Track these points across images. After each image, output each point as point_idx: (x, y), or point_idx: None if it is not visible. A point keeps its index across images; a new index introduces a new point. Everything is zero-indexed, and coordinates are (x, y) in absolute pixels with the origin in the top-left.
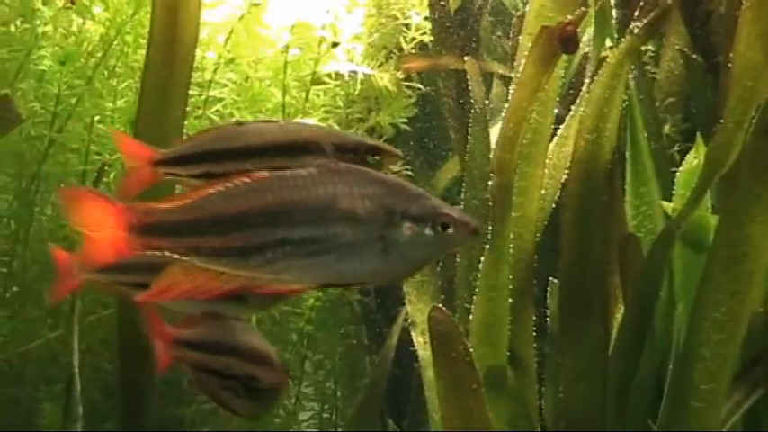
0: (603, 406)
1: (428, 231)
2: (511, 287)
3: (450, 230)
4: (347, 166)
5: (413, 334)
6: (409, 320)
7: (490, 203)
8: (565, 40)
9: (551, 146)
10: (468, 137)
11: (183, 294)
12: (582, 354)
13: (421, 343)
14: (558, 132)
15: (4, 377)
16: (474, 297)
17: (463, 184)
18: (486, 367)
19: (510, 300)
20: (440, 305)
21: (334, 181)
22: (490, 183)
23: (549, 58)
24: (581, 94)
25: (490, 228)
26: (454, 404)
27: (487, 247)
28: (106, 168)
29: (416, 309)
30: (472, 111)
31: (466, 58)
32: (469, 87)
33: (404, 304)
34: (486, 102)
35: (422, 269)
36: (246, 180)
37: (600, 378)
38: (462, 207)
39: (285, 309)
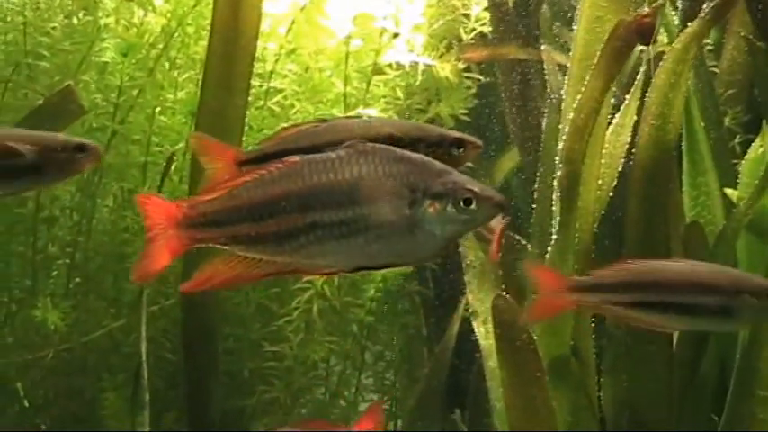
0: (669, 396)
1: (450, 208)
2: None
3: (473, 206)
4: (373, 146)
5: (474, 323)
6: (470, 310)
7: (558, 194)
8: (643, 32)
9: (608, 134)
10: (544, 126)
11: (225, 283)
12: (647, 343)
13: (482, 332)
14: (614, 121)
15: (67, 367)
16: None
17: (537, 174)
18: (550, 357)
19: None
20: (503, 293)
21: (360, 162)
22: (558, 173)
23: (625, 51)
24: (635, 82)
25: (557, 218)
26: (518, 392)
27: (554, 237)
28: (174, 159)
29: (477, 298)
30: (548, 100)
31: (543, 47)
32: (530, 78)
33: (464, 294)
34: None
35: (450, 246)
36: (279, 166)
37: (665, 367)
38: (536, 197)
39: (346, 299)
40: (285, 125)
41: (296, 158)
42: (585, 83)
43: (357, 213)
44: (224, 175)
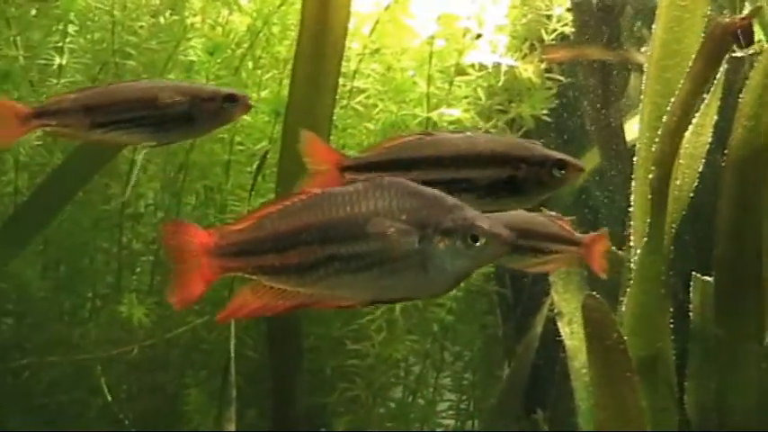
0: (760, 397)
1: (459, 244)
2: None
3: (481, 242)
4: (390, 180)
5: (559, 324)
6: (555, 310)
7: (649, 196)
8: (742, 34)
9: (687, 135)
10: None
11: (254, 313)
12: (738, 342)
13: (567, 333)
14: (694, 121)
15: (150, 363)
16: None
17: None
18: (637, 358)
19: None
20: (593, 293)
21: (376, 196)
22: (650, 175)
23: (721, 53)
24: (714, 82)
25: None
26: (607, 391)
27: (645, 239)
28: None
29: (563, 299)
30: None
31: (625, 48)
32: (612, 79)
33: (546, 294)
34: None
35: (462, 282)
36: (301, 197)
37: (755, 367)
38: (633, 198)
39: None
40: (392, 136)
41: (317, 190)
42: (680, 85)
43: (370, 247)
44: (326, 179)
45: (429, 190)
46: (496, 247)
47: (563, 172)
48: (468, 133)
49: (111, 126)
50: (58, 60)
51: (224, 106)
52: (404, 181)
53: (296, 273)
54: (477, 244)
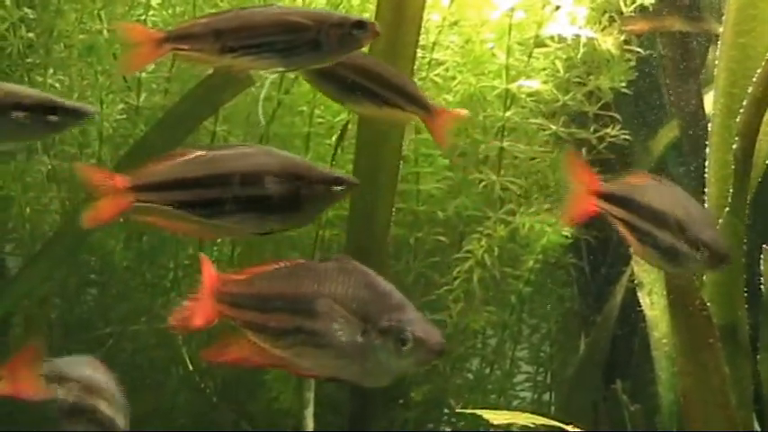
0: None
1: (390, 345)
2: None
3: (407, 347)
4: (356, 265)
5: (639, 294)
6: (636, 281)
7: (733, 166)
8: None
9: None
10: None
11: (236, 361)
12: None
13: (647, 303)
14: None
15: (232, 332)
16: None
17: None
18: (718, 327)
19: None
20: None
21: (339, 280)
22: (734, 146)
23: None
24: None
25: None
26: (690, 358)
27: (726, 208)
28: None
29: (643, 269)
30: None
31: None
32: (691, 50)
33: (626, 265)
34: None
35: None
36: (288, 265)
37: None
38: (707, 166)
39: (505, 270)
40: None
41: (301, 261)
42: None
43: (324, 328)
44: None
45: (384, 284)
46: (422, 354)
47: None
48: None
49: (240, 51)
50: None
51: (352, 33)
52: (366, 270)
53: (271, 335)
54: (404, 348)
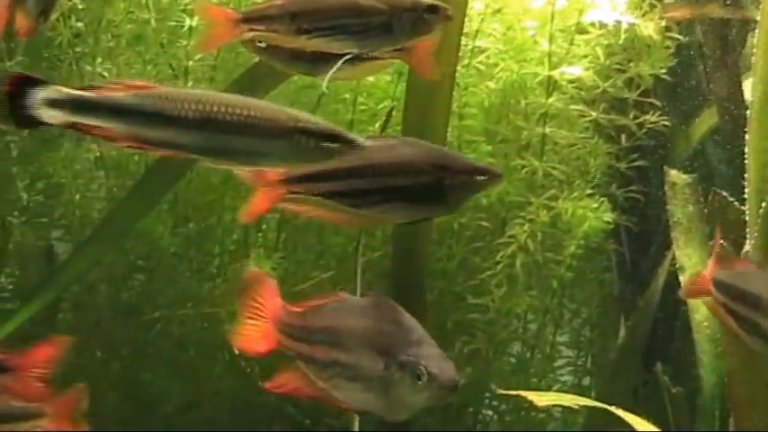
0: None
1: (407, 379)
2: None
3: (422, 382)
4: (387, 301)
5: (681, 278)
6: (677, 265)
7: None
8: None
9: None
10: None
11: (291, 392)
12: None
13: None
14: None
15: None
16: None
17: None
18: None
19: None
20: (722, 243)
21: (370, 316)
22: None
23: None
24: None
25: None
26: (735, 338)
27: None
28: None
29: (684, 253)
30: None
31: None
32: (731, 37)
33: (668, 249)
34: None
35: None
36: (330, 299)
37: None
38: (747, 151)
39: (547, 255)
40: None
41: (344, 296)
42: None
43: (352, 362)
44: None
45: (408, 319)
46: (434, 390)
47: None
48: None
49: (314, 33)
50: (188, 22)
51: (424, 17)
52: (395, 307)
53: (315, 367)
54: (419, 382)
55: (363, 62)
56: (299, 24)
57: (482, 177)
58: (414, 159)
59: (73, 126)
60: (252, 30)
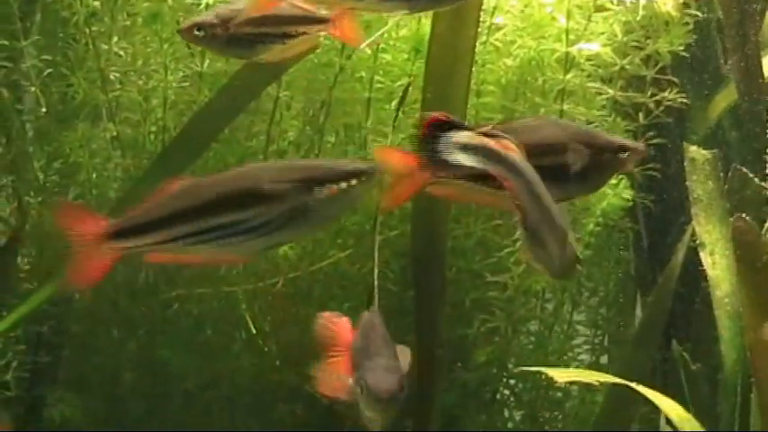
0: None
1: (359, 392)
2: None
3: (363, 394)
4: (370, 317)
5: (701, 254)
6: (698, 241)
7: None
8: None
9: None
10: None
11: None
12: None
13: (710, 263)
14: None
15: (293, 297)
16: None
17: None
18: None
19: None
20: (743, 215)
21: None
22: None
23: None
24: None
25: None
26: (757, 312)
27: None
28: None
29: (705, 230)
30: None
31: None
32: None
33: (687, 224)
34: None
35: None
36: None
37: None
38: None
39: None
40: None
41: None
42: None
43: None
44: None
45: (378, 331)
46: (371, 401)
47: (626, 155)
48: None
49: None
50: (205, 1)
51: None
52: (372, 318)
53: None
54: (362, 394)
55: (292, 39)
56: None
57: (624, 154)
58: (561, 139)
59: None
60: None
